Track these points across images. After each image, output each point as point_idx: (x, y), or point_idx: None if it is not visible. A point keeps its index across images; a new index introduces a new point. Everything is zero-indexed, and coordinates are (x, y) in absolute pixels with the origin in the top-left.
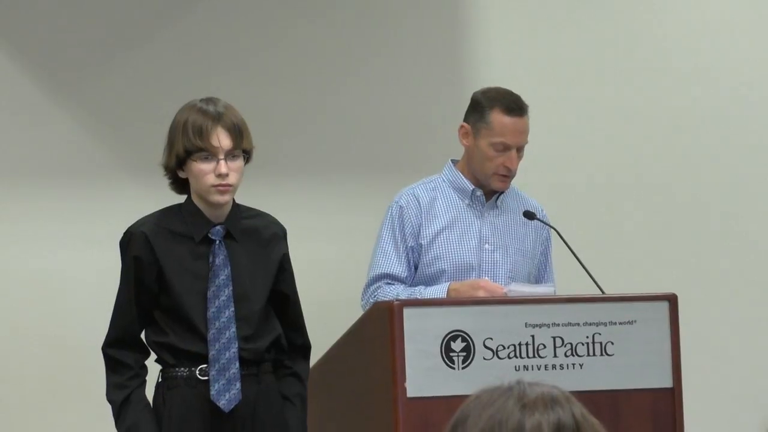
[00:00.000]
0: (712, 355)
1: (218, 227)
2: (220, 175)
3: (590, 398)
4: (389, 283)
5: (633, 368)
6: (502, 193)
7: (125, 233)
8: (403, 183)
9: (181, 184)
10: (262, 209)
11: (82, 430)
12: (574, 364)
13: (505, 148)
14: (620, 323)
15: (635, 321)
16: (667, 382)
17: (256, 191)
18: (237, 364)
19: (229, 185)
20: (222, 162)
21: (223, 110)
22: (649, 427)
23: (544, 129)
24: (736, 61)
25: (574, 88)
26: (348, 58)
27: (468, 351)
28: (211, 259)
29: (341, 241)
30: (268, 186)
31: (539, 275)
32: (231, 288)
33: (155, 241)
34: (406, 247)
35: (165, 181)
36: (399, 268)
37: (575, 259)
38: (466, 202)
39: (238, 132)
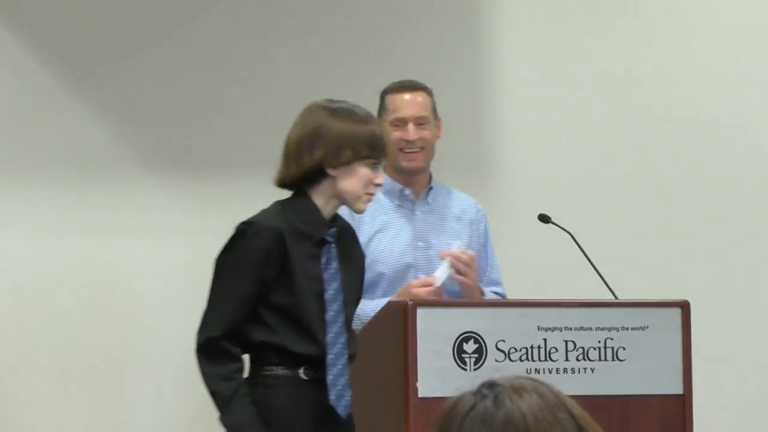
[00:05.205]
0: (723, 362)
1: (333, 229)
2: (377, 184)
3: (601, 403)
4: None
5: (644, 374)
6: (432, 189)
7: (251, 225)
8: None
9: (300, 182)
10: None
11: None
12: (585, 369)
13: (401, 122)
14: (632, 329)
15: (647, 327)
16: (677, 389)
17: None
18: (348, 372)
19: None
20: (380, 168)
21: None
22: None
23: (559, 131)
24: (759, 65)
25: (591, 90)
26: (361, 63)
27: (480, 352)
28: (325, 261)
29: None
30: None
31: (482, 269)
32: (343, 295)
33: (289, 238)
34: None
35: (178, 177)
36: None
37: (589, 263)
38: (396, 202)
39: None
